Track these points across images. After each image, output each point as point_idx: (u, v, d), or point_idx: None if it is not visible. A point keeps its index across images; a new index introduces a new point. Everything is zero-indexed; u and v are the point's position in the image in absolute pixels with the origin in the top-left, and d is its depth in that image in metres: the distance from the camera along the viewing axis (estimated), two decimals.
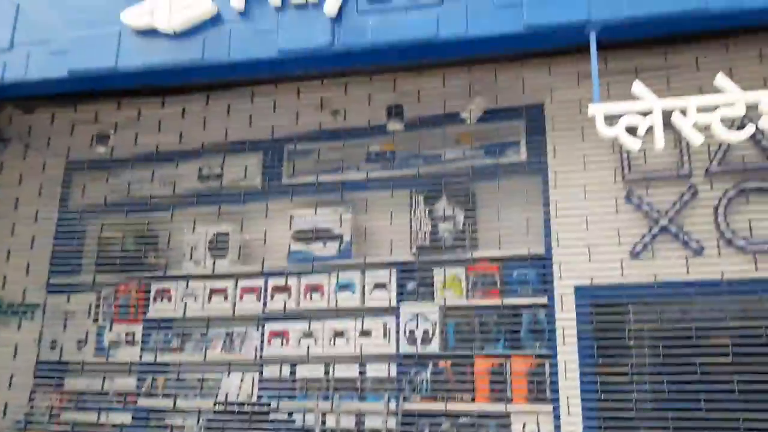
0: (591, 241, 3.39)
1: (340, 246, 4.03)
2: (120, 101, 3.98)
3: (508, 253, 3.67)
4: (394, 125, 3.92)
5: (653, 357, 3.17)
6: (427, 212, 3.90)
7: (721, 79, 2.83)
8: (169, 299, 4.15)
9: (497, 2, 3.18)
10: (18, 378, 3.86)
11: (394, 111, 3.91)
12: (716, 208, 3.31)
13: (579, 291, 3.39)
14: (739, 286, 3.13)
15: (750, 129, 2.77)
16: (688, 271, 3.22)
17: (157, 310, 4.13)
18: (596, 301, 3.35)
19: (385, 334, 3.79)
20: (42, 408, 3.98)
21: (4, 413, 3.73)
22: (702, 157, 3.39)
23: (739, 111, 2.79)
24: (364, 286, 3.92)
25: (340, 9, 3.35)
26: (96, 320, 4.21)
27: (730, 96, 2.83)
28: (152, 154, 4.21)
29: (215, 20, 3.48)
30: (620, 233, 3.36)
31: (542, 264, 3.56)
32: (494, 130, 3.85)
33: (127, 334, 4.13)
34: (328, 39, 3.34)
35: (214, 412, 3.75)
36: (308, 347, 3.83)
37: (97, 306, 4.23)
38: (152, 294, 4.17)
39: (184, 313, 4.04)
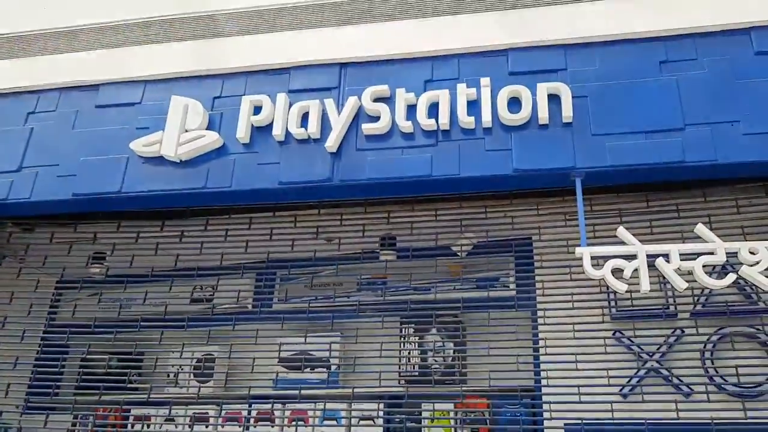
0: (580, 380, 3.38)
1: (328, 374, 3.99)
2: (120, 223, 4.07)
3: (498, 389, 3.64)
4: (387, 255, 4.02)
5: None
6: (417, 343, 3.91)
7: (700, 229, 2.98)
8: (148, 425, 4.03)
9: (488, 146, 3.39)
10: None
11: (388, 241, 4.03)
12: (703, 351, 3.36)
13: (568, 430, 3.35)
14: (729, 430, 3.11)
15: (731, 278, 2.89)
16: (677, 414, 3.20)
17: None
18: None
19: None
20: None
21: None
22: (687, 299, 3.48)
23: (720, 259, 2.92)
24: (350, 419, 3.85)
25: (341, 145, 3.55)
26: None
27: (711, 244, 2.97)
28: (147, 276, 4.23)
29: (220, 151, 3.67)
30: (609, 372, 3.36)
31: (532, 402, 3.54)
32: (484, 264, 3.95)
33: None
34: (328, 173, 3.51)
35: None
36: None
37: (73, 430, 4.09)
38: (131, 419, 4.05)
39: None
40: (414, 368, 3.87)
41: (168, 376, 4.20)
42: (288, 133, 3.61)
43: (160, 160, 3.68)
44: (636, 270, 3.00)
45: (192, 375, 4.13)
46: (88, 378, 4.09)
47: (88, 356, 4.19)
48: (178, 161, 3.62)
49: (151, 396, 4.07)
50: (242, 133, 3.58)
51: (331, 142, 3.51)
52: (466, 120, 3.42)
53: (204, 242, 4.02)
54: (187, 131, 3.61)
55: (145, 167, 3.69)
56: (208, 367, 4.14)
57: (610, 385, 3.34)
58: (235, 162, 3.63)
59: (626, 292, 3.04)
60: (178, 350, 4.08)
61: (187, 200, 3.72)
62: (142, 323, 4.07)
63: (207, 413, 4.03)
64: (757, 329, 3.35)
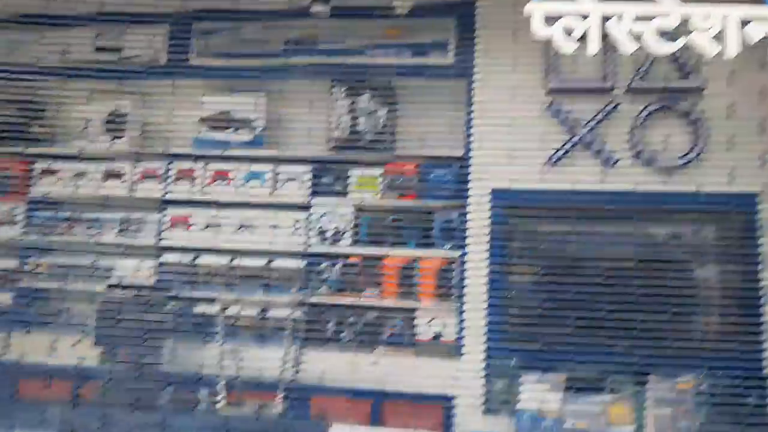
0: (511, 145, 3.39)
1: (252, 135, 3.80)
2: None
3: (428, 154, 3.60)
4: (319, 8, 3.66)
5: (562, 260, 3.26)
6: (348, 106, 3.74)
7: None
8: (58, 178, 3.79)
9: None
10: None
11: None
12: (633, 123, 3.39)
13: (495, 194, 3.41)
14: (648, 197, 3.25)
15: (681, 41, 2.81)
16: (602, 181, 3.30)
17: (44, 188, 3.76)
18: (511, 204, 3.37)
19: (295, 230, 3.67)
20: None
21: None
22: (625, 72, 3.42)
23: (673, 22, 2.82)
24: (275, 179, 3.75)
25: None
26: None
27: (666, 7, 2.85)
28: (40, 16, 3.72)
29: None
30: (540, 140, 3.38)
31: (461, 166, 3.53)
32: (424, 27, 3.69)
33: (6, 213, 3.76)
34: None
35: (107, 296, 3.49)
36: (212, 236, 3.62)
37: None
38: (38, 171, 3.79)
39: (75, 193, 3.70)
40: (343, 132, 3.73)
41: (76, 131, 3.86)
42: None
43: None
44: (584, 36, 2.87)
45: (103, 129, 3.81)
46: None
47: None
48: None
49: (58, 149, 3.81)
50: None
51: None
52: None
53: None
54: None
55: None
56: (120, 122, 3.82)
57: (540, 151, 3.36)
58: None
59: (567, 60, 2.96)
60: (83, 101, 3.74)
61: None
62: (41, 71, 3.66)
63: (121, 170, 3.79)
64: (686, 105, 3.38)
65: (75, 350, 3.29)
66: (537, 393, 3.11)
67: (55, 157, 3.82)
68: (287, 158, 3.73)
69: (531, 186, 3.38)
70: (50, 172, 3.78)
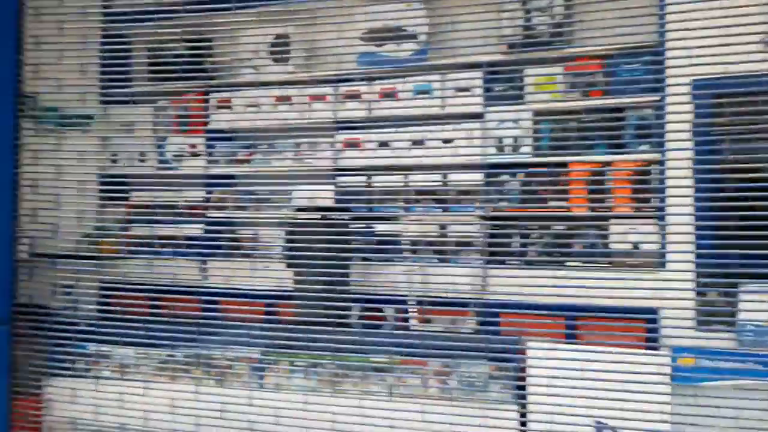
0: (716, 24, 2.92)
1: (417, 45, 3.60)
2: None
3: (614, 45, 3.21)
4: None
5: None
6: (520, 2, 3.41)
7: None
8: (230, 108, 3.86)
9: None
10: (83, 189, 3.69)
11: None
12: None
13: (697, 84, 2.98)
14: None
15: None
16: None
17: (220, 120, 3.86)
18: (718, 94, 2.94)
19: (469, 142, 3.48)
20: (112, 220, 3.88)
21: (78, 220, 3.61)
22: None
23: None
24: (444, 90, 3.56)
25: None
26: (155, 132, 3.97)
27: None
28: None
29: None
30: (753, 14, 2.87)
31: (654, 54, 3.12)
32: None
33: (190, 146, 3.92)
34: None
35: (290, 221, 3.55)
36: (386, 155, 3.54)
37: (155, 117, 3.98)
38: (213, 103, 3.88)
39: (250, 122, 3.76)
40: (515, 31, 3.42)
41: (242, 60, 3.88)
42: None
43: None
44: None
45: (269, 55, 3.78)
46: (159, 63, 3.88)
47: (156, 40, 3.90)
48: None
49: (228, 80, 3.88)
50: None
51: None
52: None
53: None
54: None
55: None
56: (285, 45, 3.78)
57: (749, 29, 2.86)
58: None
59: None
60: (246, 29, 3.72)
61: None
62: (205, 2, 3.69)
63: (290, 95, 3.78)
64: None
65: (268, 273, 3.41)
66: (761, 304, 2.76)
67: (228, 87, 3.89)
68: (456, 66, 3.51)
69: (740, 71, 2.91)
70: (225, 102, 3.86)
